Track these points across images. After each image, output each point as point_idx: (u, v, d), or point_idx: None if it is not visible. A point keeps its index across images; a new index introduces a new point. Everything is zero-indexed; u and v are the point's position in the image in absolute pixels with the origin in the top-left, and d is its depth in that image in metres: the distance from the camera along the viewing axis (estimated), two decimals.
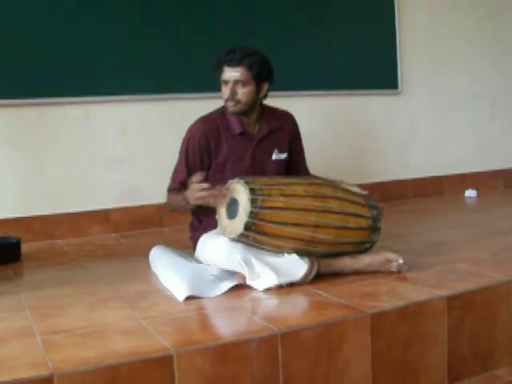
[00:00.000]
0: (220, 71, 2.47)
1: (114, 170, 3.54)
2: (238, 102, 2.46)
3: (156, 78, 3.57)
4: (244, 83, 2.43)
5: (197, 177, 2.29)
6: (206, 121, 2.54)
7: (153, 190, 3.49)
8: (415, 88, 4.46)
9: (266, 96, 2.57)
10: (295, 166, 2.70)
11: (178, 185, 2.52)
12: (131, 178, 3.59)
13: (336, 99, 4.16)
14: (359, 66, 4.17)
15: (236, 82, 2.43)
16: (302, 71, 3.97)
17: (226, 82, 2.45)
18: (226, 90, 2.47)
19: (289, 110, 2.72)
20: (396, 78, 4.34)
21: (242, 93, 2.45)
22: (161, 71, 3.57)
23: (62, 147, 3.43)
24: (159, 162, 3.48)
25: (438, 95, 4.55)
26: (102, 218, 3.52)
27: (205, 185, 2.25)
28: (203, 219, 2.58)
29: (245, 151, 2.55)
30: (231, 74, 2.43)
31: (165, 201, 2.59)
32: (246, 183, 2.19)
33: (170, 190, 2.57)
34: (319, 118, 4.09)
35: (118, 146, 3.56)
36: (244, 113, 2.51)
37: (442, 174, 4.59)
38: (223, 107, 2.57)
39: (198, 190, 2.27)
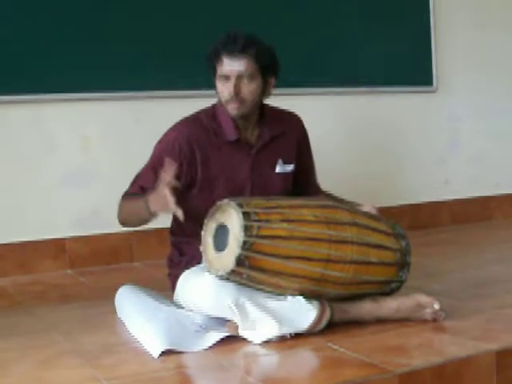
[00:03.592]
0: (216, 63, 2.46)
1: (70, 187, 3.55)
2: (242, 101, 2.45)
3: (125, 72, 3.60)
4: (250, 78, 2.44)
5: (171, 169, 2.23)
6: (192, 123, 2.55)
7: None
8: (455, 84, 4.50)
9: (269, 94, 2.60)
10: (303, 181, 2.72)
11: (138, 189, 2.51)
12: (93, 199, 3.60)
13: (355, 98, 4.19)
14: (384, 58, 4.22)
15: (240, 76, 2.43)
16: (313, 64, 4.02)
17: (226, 77, 2.45)
18: (225, 88, 2.45)
19: (295, 112, 2.75)
20: (430, 72, 4.39)
21: (248, 90, 2.45)
22: (131, 63, 3.61)
23: (4, 157, 3.44)
24: (129, 178, 3.46)
25: (483, 94, 4.59)
26: (55, 249, 3.52)
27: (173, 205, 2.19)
28: (186, 251, 2.59)
29: (242, 163, 2.56)
30: (234, 67, 2.42)
31: (118, 214, 2.58)
32: (239, 206, 2.19)
33: (126, 194, 2.55)
34: (333, 121, 4.12)
35: (76, 157, 3.57)
36: (248, 115, 2.52)
37: (490, 194, 4.62)
38: (213, 107, 2.59)
39: (166, 191, 2.20)
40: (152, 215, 2.36)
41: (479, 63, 4.56)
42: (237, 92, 2.43)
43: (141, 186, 2.52)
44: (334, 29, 4.10)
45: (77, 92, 3.52)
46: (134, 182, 2.58)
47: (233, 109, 2.46)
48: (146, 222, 2.47)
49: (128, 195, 2.55)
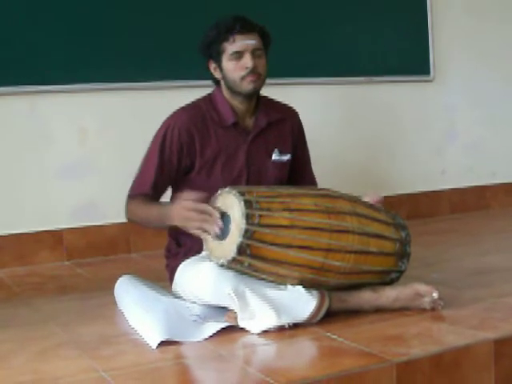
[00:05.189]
0: (226, 43, 2.47)
1: (67, 179, 3.54)
2: (259, 76, 2.50)
3: (123, 63, 3.59)
4: (261, 53, 2.51)
5: (191, 194, 2.29)
6: (191, 110, 2.57)
7: (117, 205, 3.44)
8: (452, 74, 4.49)
9: None
10: (299, 173, 2.73)
11: (149, 189, 2.52)
12: (90, 190, 3.59)
13: (352, 88, 4.19)
14: (382, 48, 4.21)
15: (254, 50, 2.48)
16: (310, 54, 4.01)
17: (240, 54, 2.47)
18: (240, 64, 2.47)
19: (290, 102, 2.75)
20: (427, 61, 4.38)
21: (262, 65, 2.51)
22: (129, 55, 3.59)
23: (1, 149, 3.43)
24: (126, 170, 3.43)
25: (479, 83, 4.58)
26: (52, 241, 3.51)
27: (204, 206, 2.24)
28: (183, 242, 2.59)
29: (238, 149, 2.57)
30: (247, 41, 2.47)
31: (127, 213, 2.58)
32: (240, 194, 2.20)
33: (135, 195, 2.55)
34: (330, 111, 4.11)
35: (73, 149, 3.56)
36: (257, 92, 2.55)
37: (487, 184, 4.62)
38: (210, 94, 2.61)
39: (188, 209, 2.26)
40: (167, 225, 2.39)
41: (476, 53, 4.55)
42: (255, 65, 2.47)
43: (151, 185, 2.52)
44: (331, 18, 4.08)
45: (74, 83, 3.51)
46: (138, 179, 2.57)
47: (250, 82, 2.48)
48: (162, 228, 2.52)
49: (138, 197, 2.53)
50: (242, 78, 2.48)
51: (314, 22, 4.01)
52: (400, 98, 4.36)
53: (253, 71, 2.47)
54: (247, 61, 2.46)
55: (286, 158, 2.65)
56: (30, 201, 3.48)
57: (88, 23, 3.51)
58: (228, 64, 2.49)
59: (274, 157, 2.63)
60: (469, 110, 4.57)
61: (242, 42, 2.46)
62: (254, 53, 2.47)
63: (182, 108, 2.58)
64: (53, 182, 3.52)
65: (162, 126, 2.56)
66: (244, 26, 2.46)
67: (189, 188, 2.48)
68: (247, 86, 2.49)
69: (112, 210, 3.57)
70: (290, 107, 2.74)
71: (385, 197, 2.62)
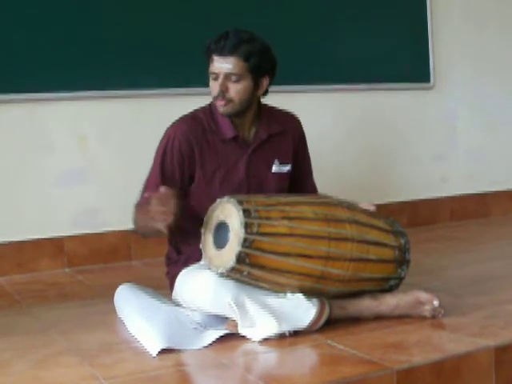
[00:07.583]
0: (208, 60, 2.48)
1: (68, 187, 3.54)
2: (229, 100, 2.46)
3: (122, 70, 3.60)
4: (238, 77, 2.44)
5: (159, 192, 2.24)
6: (190, 121, 2.56)
7: (118, 212, 3.49)
8: (452, 81, 4.50)
9: (266, 93, 2.59)
10: (300, 181, 2.72)
11: (145, 199, 2.52)
12: (91, 198, 3.59)
13: (353, 95, 4.19)
14: (382, 55, 4.22)
15: (228, 75, 2.44)
16: (310, 61, 4.01)
17: (216, 75, 2.46)
18: (214, 86, 2.47)
19: (291, 110, 2.75)
20: (428, 68, 4.38)
21: (236, 90, 2.45)
22: (128, 62, 3.60)
23: (1, 157, 3.43)
24: (127, 177, 3.49)
25: (480, 90, 4.59)
26: (53, 248, 3.51)
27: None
28: (183, 249, 2.59)
29: (238, 161, 2.57)
30: (222, 65, 2.43)
31: (132, 224, 2.58)
32: (239, 203, 2.20)
33: (136, 205, 2.56)
34: (330, 118, 4.12)
35: (73, 156, 3.56)
36: (237, 114, 2.52)
37: (488, 191, 4.62)
38: (211, 105, 2.60)
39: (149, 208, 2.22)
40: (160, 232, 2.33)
41: (476, 59, 4.56)
42: (223, 91, 2.45)
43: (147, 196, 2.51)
44: (331, 26, 4.10)
45: (73, 91, 3.51)
46: (142, 188, 2.58)
47: (219, 106, 2.49)
48: (160, 235, 2.46)
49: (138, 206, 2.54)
50: (215, 98, 2.50)
51: (313, 30, 4.02)
52: (400, 106, 4.36)
53: (222, 96, 2.45)
54: (216, 85, 2.45)
55: (287, 168, 2.65)
56: (30, 208, 3.48)
57: (88, 30, 3.51)
58: (210, 81, 2.50)
59: (275, 168, 2.62)
60: (469, 117, 4.58)
61: (217, 65, 2.44)
62: (228, 76, 2.44)
63: (183, 119, 2.58)
64: (53, 189, 3.52)
65: (163, 137, 2.56)
66: (223, 47, 2.41)
67: (189, 201, 2.51)
68: (218, 107, 2.50)
69: (113, 218, 3.58)
70: (292, 115, 2.73)
71: (385, 204, 2.63)
